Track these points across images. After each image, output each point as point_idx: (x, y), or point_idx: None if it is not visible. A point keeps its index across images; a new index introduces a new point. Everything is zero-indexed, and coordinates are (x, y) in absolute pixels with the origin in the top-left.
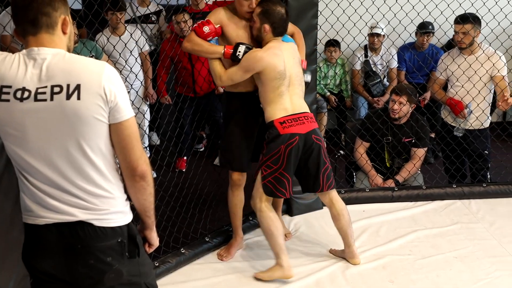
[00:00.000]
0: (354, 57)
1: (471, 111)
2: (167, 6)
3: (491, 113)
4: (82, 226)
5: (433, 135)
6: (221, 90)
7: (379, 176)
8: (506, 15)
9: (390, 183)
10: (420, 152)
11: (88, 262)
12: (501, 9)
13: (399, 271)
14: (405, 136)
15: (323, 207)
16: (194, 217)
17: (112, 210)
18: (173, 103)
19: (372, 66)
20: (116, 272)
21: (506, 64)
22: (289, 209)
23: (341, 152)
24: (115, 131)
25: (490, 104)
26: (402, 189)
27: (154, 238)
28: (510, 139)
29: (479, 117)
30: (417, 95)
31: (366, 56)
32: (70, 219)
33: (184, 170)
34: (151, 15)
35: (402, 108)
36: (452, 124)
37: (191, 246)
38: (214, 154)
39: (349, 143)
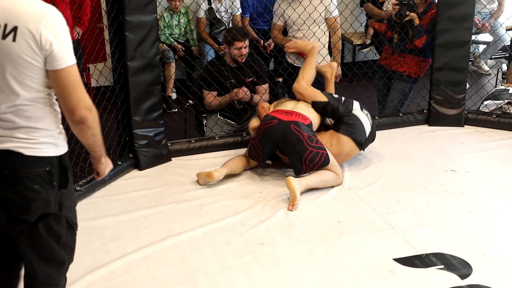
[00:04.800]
0: (197, 5)
1: None
2: None
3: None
4: (11, 153)
5: (280, 80)
6: None
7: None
8: None
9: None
10: (262, 89)
11: (16, 188)
12: None
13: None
14: (247, 77)
15: None
16: None
17: (41, 140)
18: None
19: (216, 13)
20: (44, 201)
21: (337, 7)
22: (137, 163)
23: (190, 102)
24: (52, 77)
25: (326, 46)
26: None
27: (101, 169)
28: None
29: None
30: (262, 41)
31: (209, 3)
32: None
33: None
34: None
35: (246, 49)
36: (296, 65)
37: None
38: None
39: (197, 93)
